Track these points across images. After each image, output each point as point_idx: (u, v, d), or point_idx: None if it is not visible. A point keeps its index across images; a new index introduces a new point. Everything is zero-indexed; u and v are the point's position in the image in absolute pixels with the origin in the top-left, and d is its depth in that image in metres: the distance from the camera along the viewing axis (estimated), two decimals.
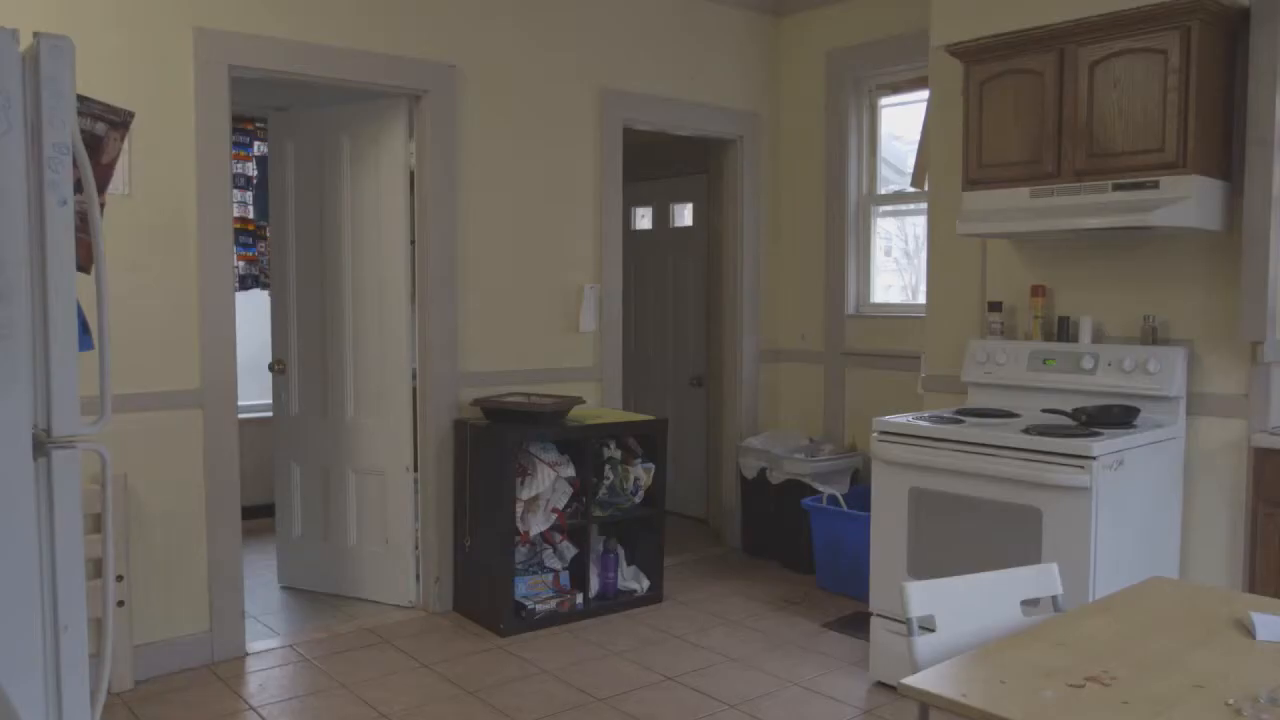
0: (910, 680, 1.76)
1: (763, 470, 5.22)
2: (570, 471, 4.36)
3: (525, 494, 4.22)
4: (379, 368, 4.48)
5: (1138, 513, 3.33)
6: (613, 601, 4.53)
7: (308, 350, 4.70)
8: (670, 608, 4.58)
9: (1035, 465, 3.23)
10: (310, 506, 4.75)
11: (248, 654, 3.96)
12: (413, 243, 4.42)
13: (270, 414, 4.97)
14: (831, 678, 3.76)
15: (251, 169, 6.11)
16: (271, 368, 4.80)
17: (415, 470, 4.49)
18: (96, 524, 3.41)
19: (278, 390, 4.81)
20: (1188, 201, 3.22)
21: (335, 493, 4.66)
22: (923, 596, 2.07)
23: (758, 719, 3.41)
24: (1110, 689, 1.69)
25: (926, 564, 3.51)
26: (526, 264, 4.65)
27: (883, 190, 5.29)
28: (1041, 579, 2.25)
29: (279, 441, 4.83)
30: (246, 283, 6.12)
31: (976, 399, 4.00)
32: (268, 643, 4.11)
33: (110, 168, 2.81)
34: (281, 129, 4.79)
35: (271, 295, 4.92)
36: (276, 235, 4.82)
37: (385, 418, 4.47)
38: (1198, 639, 1.94)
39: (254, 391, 6.02)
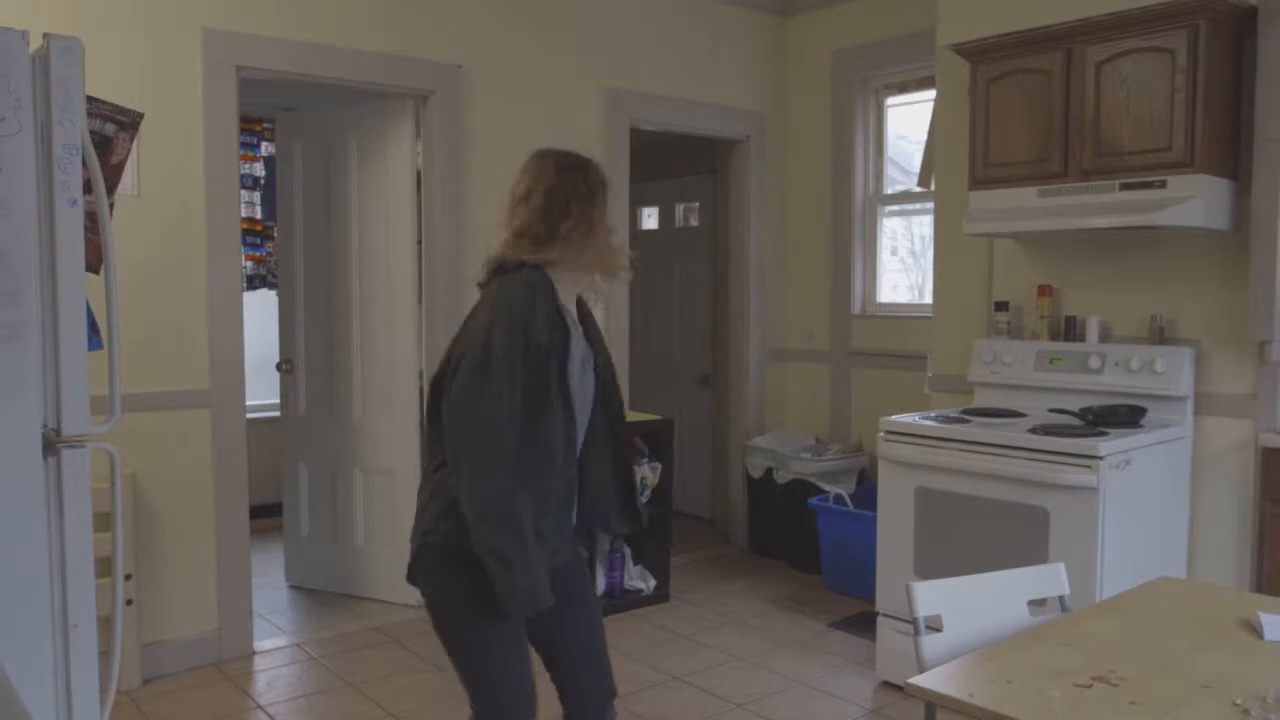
0: (917, 680, 1.76)
1: (769, 470, 5.22)
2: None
3: None
4: (386, 367, 4.49)
5: (1145, 513, 3.33)
6: (619, 601, 4.53)
7: (315, 350, 4.70)
8: (677, 607, 4.58)
9: (1042, 465, 3.22)
10: (318, 506, 4.76)
11: (255, 653, 3.98)
12: (419, 243, 4.43)
13: (278, 414, 4.98)
14: (838, 677, 3.76)
15: (259, 169, 6.12)
16: (279, 368, 4.81)
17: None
18: (105, 523, 3.41)
19: (285, 390, 4.82)
20: (1195, 201, 3.22)
21: (343, 492, 4.67)
22: (929, 596, 2.07)
23: (764, 718, 3.41)
24: (1118, 689, 1.69)
25: (933, 564, 3.51)
26: None
27: (889, 190, 5.29)
28: (1048, 579, 2.25)
29: (286, 441, 4.85)
30: (254, 283, 6.13)
31: (983, 399, 4.00)
32: (276, 641, 4.12)
33: (120, 168, 2.82)
34: (289, 129, 4.80)
35: (279, 295, 4.93)
36: (284, 236, 4.83)
37: (393, 417, 4.48)
38: (1205, 639, 1.94)
39: (262, 391, 6.03)
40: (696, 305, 6.26)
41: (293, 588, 4.83)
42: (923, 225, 5.13)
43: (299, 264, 4.72)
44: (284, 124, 4.86)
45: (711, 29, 5.23)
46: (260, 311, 5.79)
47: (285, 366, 4.78)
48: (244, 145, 5.87)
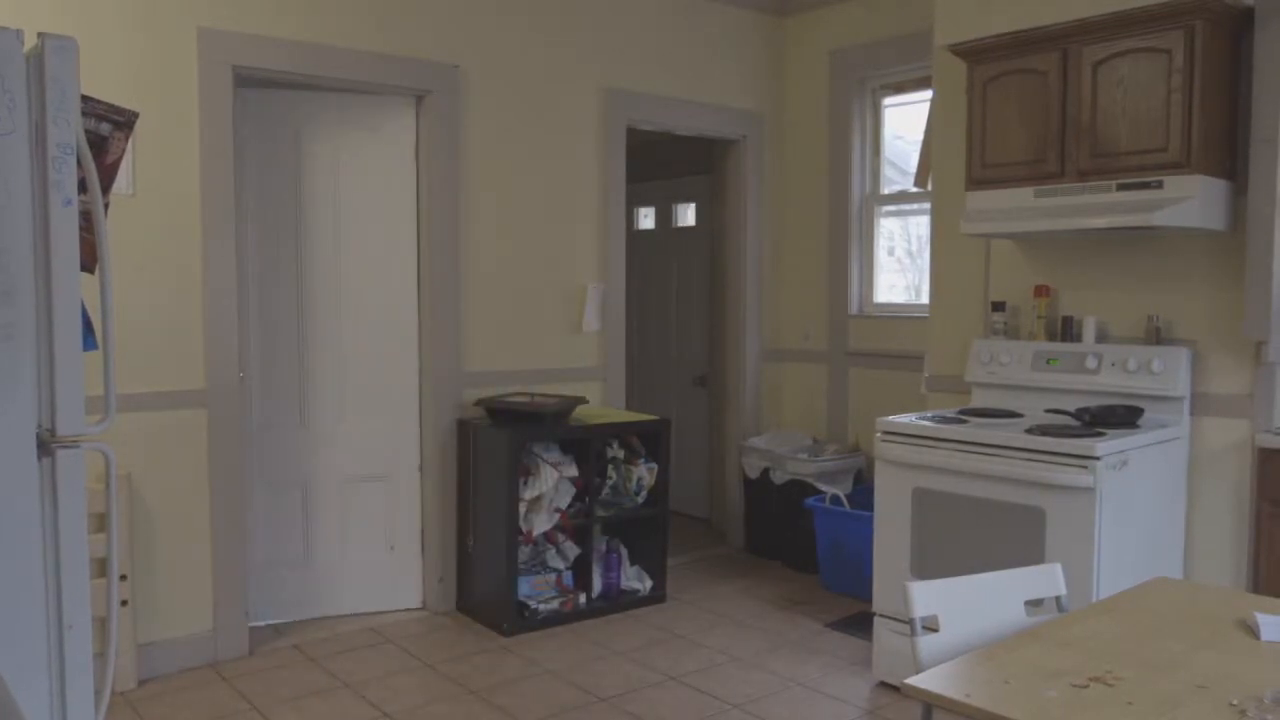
0: (914, 680, 1.76)
1: (766, 470, 5.22)
2: (573, 471, 4.36)
3: (528, 494, 4.22)
4: (379, 370, 4.44)
5: (1142, 513, 3.33)
6: (616, 601, 4.53)
7: (290, 358, 4.61)
8: (673, 607, 4.58)
9: (1039, 465, 3.22)
10: (291, 525, 4.36)
11: (251, 653, 3.97)
12: (416, 242, 4.41)
13: None
14: (835, 678, 3.76)
15: None
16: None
17: (419, 471, 4.48)
18: (101, 524, 3.41)
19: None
20: (1192, 201, 3.22)
21: (325, 505, 4.38)
22: (926, 596, 2.07)
23: (761, 718, 3.41)
24: (1114, 689, 1.69)
25: (930, 564, 3.51)
26: (530, 264, 4.65)
27: (886, 190, 5.29)
28: (1045, 579, 2.25)
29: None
30: None
31: (980, 399, 4.00)
32: (271, 642, 4.11)
33: (114, 168, 2.80)
34: None
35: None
36: None
37: (389, 420, 4.44)
38: (1202, 639, 1.94)
39: None
40: (693, 305, 6.26)
41: None
42: (919, 225, 5.13)
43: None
44: None
45: (709, 29, 5.22)
46: None
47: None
48: None
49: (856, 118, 5.22)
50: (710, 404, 6.08)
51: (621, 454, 4.58)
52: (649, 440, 4.66)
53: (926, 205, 4.64)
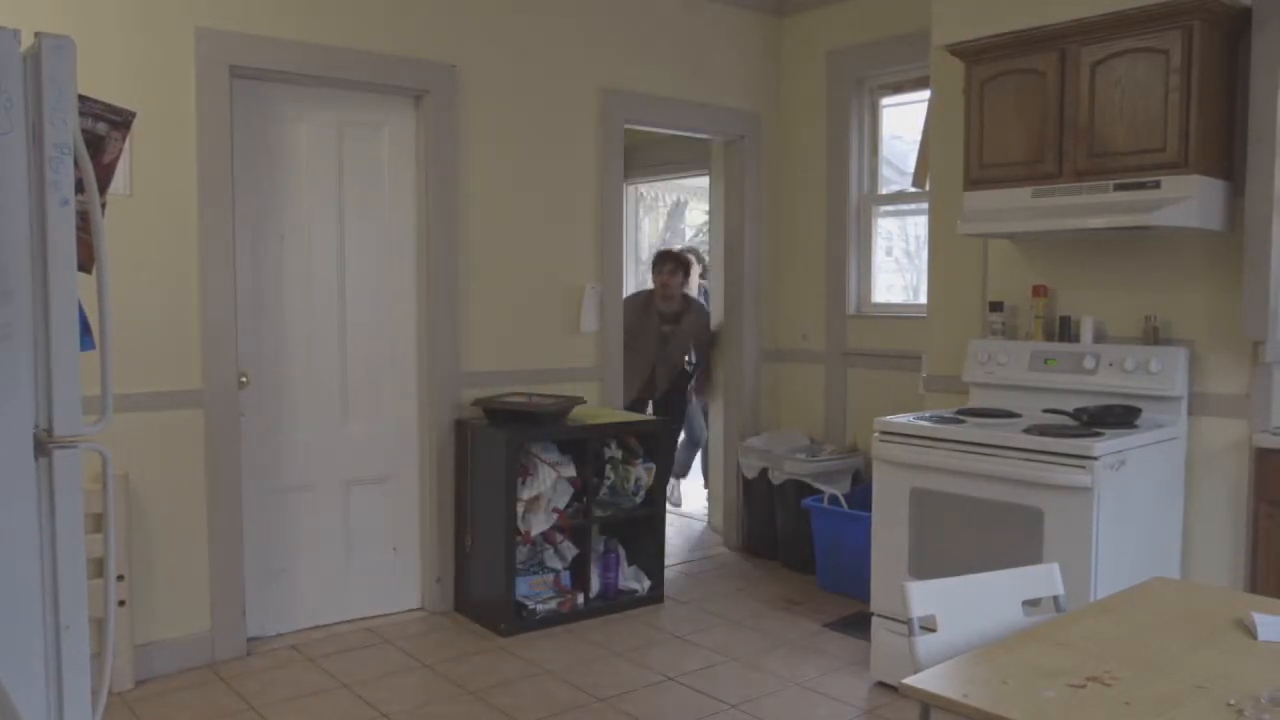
0: (912, 680, 1.76)
1: (764, 470, 5.22)
2: (571, 471, 4.35)
3: (526, 494, 4.22)
4: (378, 370, 4.42)
5: (1139, 513, 3.33)
6: (614, 601, 4.52)
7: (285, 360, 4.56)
8: (671, 608, 4.58)
9: (1037, 465, 3.22)
10: (294, 532, 4.26)
11: (249, 654, 3.96)
12: (415, 242, 4.41)
13: None
14: (832, 678, 3.76)
15: None
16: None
17: (418, 471, 4.47)
18: (98, 524, 3.41)
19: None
20: (1189, 201, 3.22)
21: (327, 509, 4.30)
22: (924, 596, 2.07)
23: (759, 719, 3.41)
24: (1112, 689, 1.69)
25: (928, 564, 3.51)
26: (528, 264, 4.65)
27: (884, 190, 5.29)
28: (1043, 579, 2.25)
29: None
30: None
31: (978, 399, 4.00)
32: (269, 643, 4.10)
33: (112, 168, 2.81)
34: None
35: None
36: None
37: (390, 420, 4.43)
38: (1199, 639, 1.94)
39: None
40: None
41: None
42: (917, 225, 5.13)
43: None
44: None
45: (706, 29, 5.22)
46: None
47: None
48: None
49: (854, 117, 5.22)
50: (708, 404, 6.08)
51: (619, 454, 4.58)
52: (647, 440, 4.66)
53: (924, 205, 4.64)
